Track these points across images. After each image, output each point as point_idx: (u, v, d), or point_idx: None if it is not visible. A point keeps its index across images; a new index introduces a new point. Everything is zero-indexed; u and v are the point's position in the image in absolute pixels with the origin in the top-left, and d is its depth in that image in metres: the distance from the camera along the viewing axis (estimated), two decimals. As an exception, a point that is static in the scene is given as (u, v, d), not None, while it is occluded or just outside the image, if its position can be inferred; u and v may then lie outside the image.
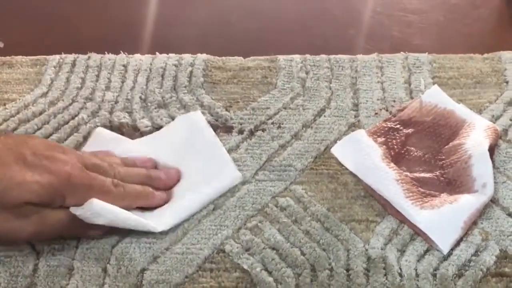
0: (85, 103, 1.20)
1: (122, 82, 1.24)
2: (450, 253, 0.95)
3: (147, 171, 1.03)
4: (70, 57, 1.30)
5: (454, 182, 1.04)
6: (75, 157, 0.94)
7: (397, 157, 1.09)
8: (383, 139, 1.11)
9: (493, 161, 1.07)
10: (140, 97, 1.21)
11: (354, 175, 1.07)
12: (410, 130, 1.13)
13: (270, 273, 0.93)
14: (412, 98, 1.20)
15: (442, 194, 1.03)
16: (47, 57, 1.30)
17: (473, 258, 0.95)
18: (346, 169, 1.08)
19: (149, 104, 1.20)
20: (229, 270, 0.94)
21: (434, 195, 1.03)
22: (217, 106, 1.19)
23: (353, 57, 1.29)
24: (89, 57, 1.30)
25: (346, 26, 1.43)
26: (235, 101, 1.21)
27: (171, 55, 1.30)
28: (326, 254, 0.96)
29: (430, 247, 0.96)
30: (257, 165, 1.09)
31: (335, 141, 1.13)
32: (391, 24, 1.42)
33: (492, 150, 1.07)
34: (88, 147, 1.09)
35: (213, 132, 1.11)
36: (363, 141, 1.10)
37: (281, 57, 1.29)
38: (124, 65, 1.28)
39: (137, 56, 1.30)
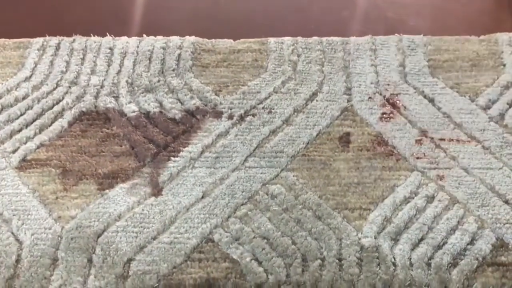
0: (69, 87, 1.17)
1: (108, 66, 1.22)
2: (445, 242, 0.93)
3: None
4: (54, 40, 1.26)
5: None
6: None
7: None
8: None
9: (489, 147, 1.06)
10: (127, 81, 1.18)
11: (347, 161, 1.05)
12: None
13: (260, 263, 0.91)
14: (406, 81, 1.17)
15: None
16: (31, 39, 1.27)
17: (469, 246, 0.93)
18: (339, 155, 1.06)
19: (136, 88, 1.17)
20: (218, 260, 0.92)
21: None
22: (206, 90, 1.16)
23: (346, 39, 1.26)
24: (74, 40, 1.27)
25: (339, 8, 1.39)
26: (225, 85, 1.18)
27: (158, 37, 1.27)
28: (317, 243, 0.93)
29: (425, 235, 0.94)
30: (248, 151, 1.06)
31: (327, 126, 1.10)
32: (386, 5, 1.39)
33: None
34: None
35: None
36: None
37: (271, 40, 1.26)
38: (110, 48, 1.25)
39: (124, 38, 1.27)
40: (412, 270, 0.90)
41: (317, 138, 1.09)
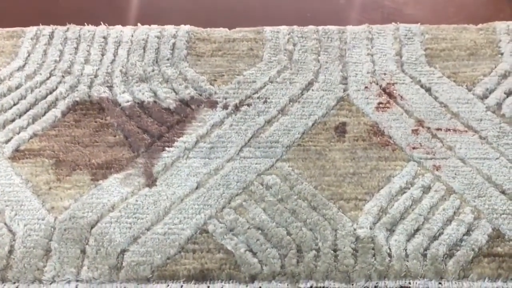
0: (63, 76, 1.16)
1: (102, 55, 1.20)
2: (441, 232, 0.93)
3: None
4: (48, 29, 1.25)
5: None
6: None
7: None
8: None
9: (486, 137, 1.05)
10: (121, 71, 1.17)
11: (343, 151, 1.04)
12: None
13: (254, 254, 0.91)
14: (403, 71, 1.16)
15: None
16: (24, 28, 1.25)
17: (465, 237, 0.92)
18: (335, 145, 1.05)
19: (130, 77, 1.16)
20: (212, 251, 0.91)
21: None
22: (201, 79, 1.15)
23: (342, 28, 1.25)
24: (67, 29, 1.25)
25: (335, -4, 1.38)
26: (220, 74, 1.17)
27: (153, 26, 1.26)
28: (313, 234, 0.93)
29: (421, 225, 0.93)
30: (242, 141, 1.05)
31: (323, 116, 1.09)
32: (383, -6, 1.38)
33: None
34: None
35: None
36: None
37: (267, 29, 1.25)
38: (104, 37, 1.23)
39: (118, 27, 1.26)
40: (407, 261, 0.89)
41: (313, 128, 1.08)
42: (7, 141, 1.06)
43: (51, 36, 1.24)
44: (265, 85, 1.14)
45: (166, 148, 1.04)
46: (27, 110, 1.11)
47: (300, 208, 0.96)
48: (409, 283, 0.88)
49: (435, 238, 0.92)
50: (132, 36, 1.23)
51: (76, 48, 1.22)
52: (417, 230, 0.93)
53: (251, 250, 0.91)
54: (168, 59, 1.19)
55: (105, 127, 1.08)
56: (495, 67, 1.16)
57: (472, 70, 1.16)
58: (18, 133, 1.07)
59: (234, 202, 0.97)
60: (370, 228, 0.93)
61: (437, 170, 1.01)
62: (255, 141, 1.06)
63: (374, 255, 0.90)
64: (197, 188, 0.99)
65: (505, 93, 1.12)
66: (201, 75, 1.16)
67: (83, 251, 0.91)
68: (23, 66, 1.18)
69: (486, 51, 1.19)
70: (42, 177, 1.01)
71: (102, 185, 0.99)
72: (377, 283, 0.88)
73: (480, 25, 1.25)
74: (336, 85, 1.14)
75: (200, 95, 1.13)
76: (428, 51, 1.19)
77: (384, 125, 1.08)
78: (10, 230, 0.94)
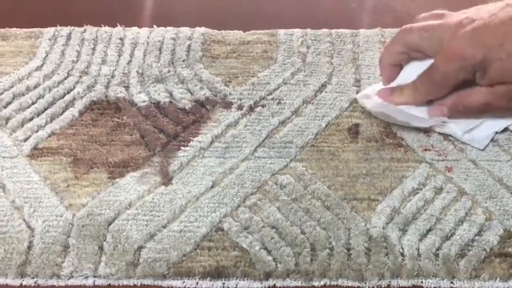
0: (80, 77, 1.18)
1: (119, 56, 1.22)
2: (453, 233, 0.94)
3: None
4: (65, 30, 1.27)
5: None
6: None
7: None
8: None
9: (496, 139, 1.06)
10: (137, 71, 1.19)
11: (356, 152, 1.05)
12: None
13: (269, 252, 0.92)
14: (415, 74, 1.17)
15: None
16: (42, 29, 1.28)
17: (476, 238, 0.93)
18: (348, 146, 1.06)
19: (146, 78, 1.18)
20: (227, 248, 0.92)
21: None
22: (216, 81, 1.17)
23: (355, 31, 1.27)
24: (85, 30, 1.27)
25: (348, 0, 1.39)
26: (235, 76, 1.18)
27: (169, 28, 1.28)
28: (326, 233, 0.94)
29: (433, 226, 0.94)
30: (257, 141, 1.07)
31: (336, 118, 1.11)
32: (394, -2, 1.39)
33: None
34: None
35: None
36: None
37: (281, 31, 1.26)
38: (120, 38, 1.25)
39: (134, 29, 1.28)
40: (420, 260, 0.90)
41: (326, 129, 1.09)
42: (25, 140, 1.07)
43: (69, 37, 1.26)
44: (279, 87, 1.16)
45: (182, 148, 1.06)
46: (45, 109, 1.12)
47: (314, 208, 0.97)
48: (422, 282, 0.89)
49: (447, 238, 0.93)
50: (148, 37, 1.25)
51: (93, 49, 1.23)
52: (429, 230, 0.94)
53: (265, 248, 0.92)
54: (183, 61, 1.21)
55: (121, 126, 1.10)
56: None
57: (483, 74, 1.17)
58: (37, 131, 1.08)
59: (249, 201, 0.98)
60: (383, 228, 0.94)
61: (449, 171, 1.02)
62: (269, 142, 1.07)
63: (387, 254, 0.91)
64: (212, 187, 1.00)
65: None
66: (216, 76, 1.18)
67: (101, 248, 0.92)
68: (41, 66, 1.20)
69: (497, 55, 1.20)
70: (60, 175, 1.02)
71: (119, 183, 1.01)
72: (389, 281, 0.89)
73: (491, 30, 1.25)
74: (349, 87, 1.16)
75: (215, 96, 1.14)
76: (440, 54, 1.20)
77: (397, 127, 1.09)
78: (29, 226, 0.95)
